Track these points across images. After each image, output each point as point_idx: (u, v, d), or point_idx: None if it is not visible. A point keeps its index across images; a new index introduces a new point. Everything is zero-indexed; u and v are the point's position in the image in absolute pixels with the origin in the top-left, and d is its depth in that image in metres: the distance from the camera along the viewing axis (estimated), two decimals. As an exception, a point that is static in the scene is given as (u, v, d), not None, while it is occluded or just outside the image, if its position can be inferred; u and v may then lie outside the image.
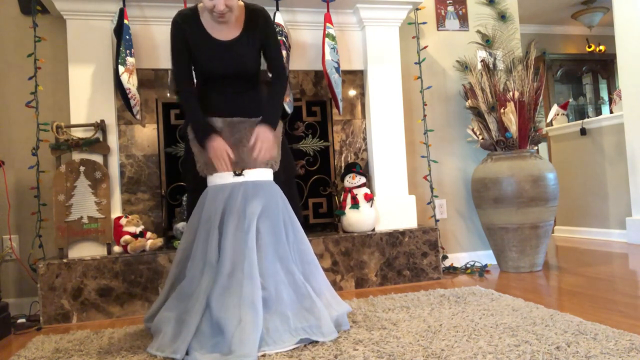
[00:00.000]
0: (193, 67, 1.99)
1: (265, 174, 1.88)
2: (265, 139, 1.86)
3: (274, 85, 2.00)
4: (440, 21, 3.19)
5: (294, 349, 1.56)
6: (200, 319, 1.61)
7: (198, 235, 1.80)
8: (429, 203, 3.01)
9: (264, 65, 2.03)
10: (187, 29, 1.90)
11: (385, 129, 2.85)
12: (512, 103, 2.79)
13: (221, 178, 1.84)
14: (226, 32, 1.93)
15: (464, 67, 3.10)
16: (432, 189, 2.98)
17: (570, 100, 5.94)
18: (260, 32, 1.95)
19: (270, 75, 2.02)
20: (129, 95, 2.38)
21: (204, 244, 1.77)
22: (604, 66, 6.14)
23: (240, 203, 1.78)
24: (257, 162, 1.86)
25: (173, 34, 1.92)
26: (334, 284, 2.51)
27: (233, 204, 1.78)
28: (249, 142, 1.86)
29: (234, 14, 1.90)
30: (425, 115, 3.03)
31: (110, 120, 2.49)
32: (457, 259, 3.08)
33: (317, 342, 1.61)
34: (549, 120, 4.74)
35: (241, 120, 1.92)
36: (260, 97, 2.03)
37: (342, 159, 2.88)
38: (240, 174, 1.83)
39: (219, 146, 1.82)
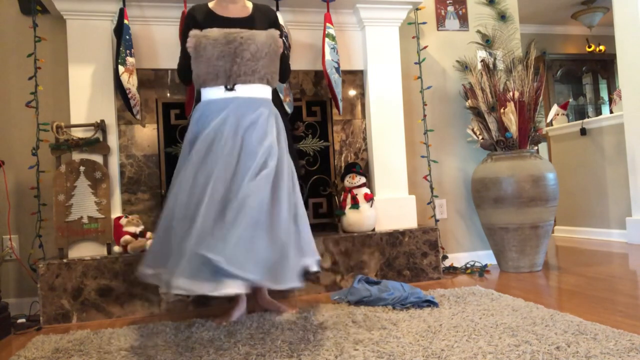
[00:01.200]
0: None
1: (259, 90, 1.80)
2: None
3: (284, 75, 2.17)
4: (440, 21, 3.19)
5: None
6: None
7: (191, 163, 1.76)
8: (429, 203, 3.01)
9: None
10: (197, 15, 2.06)
11: (385, 129, 2.85)
12: (512, 103, 2.79)
13: (213, 93, 1.80)
14: (236, 12, 2.09)
15: (464, 67, 3.10)
16: (432, 189, 2.98)
17: (570, 100, 5.95)
18: (269, 18, 2.13)
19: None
20: (129, 95, 2.38)
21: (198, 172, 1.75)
22: (604, 66, 6.14)
23: (230, 125, 1.74)
24: (253, 77, 1.79)
25: (184, 21, 2.10)
26: (334, 284, 2.52)
27: (223, 127, 1.74)
28: (245, 53, 1.81)
29: None
30: (425, 115, 3.03)
31: (110, 120, 2.49)
32: (457, 259, 3.08)
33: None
34: (549, 120, 4.74)
35: (238, 31, 1.86)
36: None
37: (342, 159, 2.88)
38: (232, 89, 1.76)
39: None
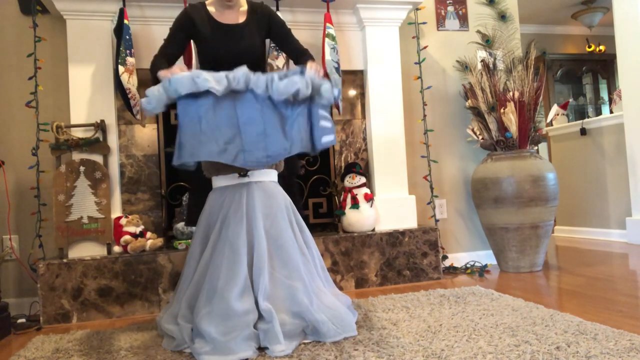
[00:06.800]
0: (198, 60, 2.11)
1: (269, 175, 1.88)
2: (316, 65, 1.90)
3: (305, 55, 2.11)
4: (440, 21, 3.19)
5: (294, 349, 1.56)
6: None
7: (209, 242, 1.79)
8: (429, 203, 3.01)
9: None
10: (195, 17, 2.03)
11: (385, 129, 2.85)
12: (512, 103, 2.79)
13: (226, 179, 1.84)
14: (233, 18, 2.06)
15: (464, 67, 3.10)
16: (432, 189, 2.98)
17: (570, 100, 5.94)
18: (264, 19, 2.10)
19: (293, 58, 2.16)
20: (129, 95, 2.38)
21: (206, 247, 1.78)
22: (604, 66, 6.14)
23: (244, 204, 1.78)
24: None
25: (178, 19, 2.06)
26: (334, 283, 2.51)
27: (237, 206, 1.78)
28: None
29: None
30: (425, 115, 3.03)
31: (110, 120, 2.49)
32: (457, 259, 3.08)
33: (318, 341, 1.62)
34: (549, 120, 4.74)
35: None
36: None
37: (342, 159, 2.88)
38: (245, 175, 1.83)
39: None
